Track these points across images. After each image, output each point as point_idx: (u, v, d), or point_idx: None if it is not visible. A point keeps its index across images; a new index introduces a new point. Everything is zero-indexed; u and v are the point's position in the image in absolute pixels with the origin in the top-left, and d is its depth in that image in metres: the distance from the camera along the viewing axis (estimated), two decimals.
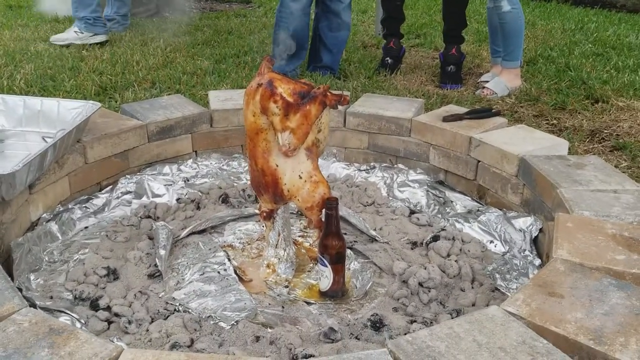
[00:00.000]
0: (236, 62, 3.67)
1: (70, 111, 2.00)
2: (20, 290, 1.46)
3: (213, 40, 4.25)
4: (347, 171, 2.32)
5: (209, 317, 1.47)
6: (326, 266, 1.57)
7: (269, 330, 1.44)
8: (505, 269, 1.68)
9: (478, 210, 2.00)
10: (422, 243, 1.86)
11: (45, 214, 1.81)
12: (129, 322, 1.44)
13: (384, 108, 2.33)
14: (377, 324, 1.47)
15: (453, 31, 3.43)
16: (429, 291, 1.60)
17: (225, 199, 2.08)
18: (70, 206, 1.91)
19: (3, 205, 1.58)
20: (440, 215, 2.03)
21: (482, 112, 2.28)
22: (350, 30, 3.53)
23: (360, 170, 2.31)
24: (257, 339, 1.38)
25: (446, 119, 2.19)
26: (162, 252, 1.71)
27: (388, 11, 3.63)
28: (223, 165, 2.29)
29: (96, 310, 1.49)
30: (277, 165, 1.55)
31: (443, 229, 1.90)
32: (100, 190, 2.05)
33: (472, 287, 1.63)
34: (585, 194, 1.64)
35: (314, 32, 3.45)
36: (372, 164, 2.32)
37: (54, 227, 1.81)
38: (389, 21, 3.64)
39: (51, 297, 1.53)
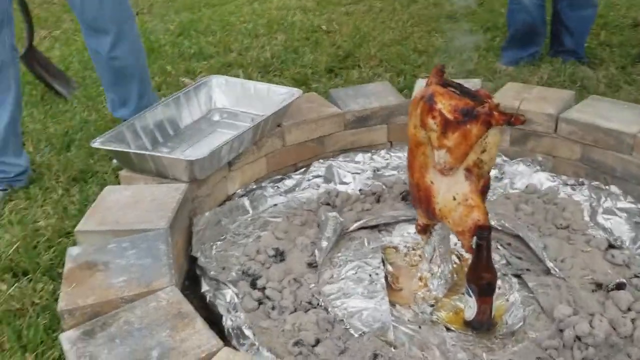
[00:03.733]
0: (475, 39, 3.50)
1: (278, 96, 2.19)
2: (196, 259, 1.70)
3: (458, 13, 4.10)
4: (551, 183, 2.08)
5: (341, 320, 1.52)
6: (471, 296, 1.48)
7: (393, 350, 1.43)
8: None
9: None
10: (607, 287, 1.61)
11: (239, 190, 2.05)
12: (273, 308, 1.58)
13: (606, 117, 2.01)
14: None
15: None
16: (587, 349, 1.40)
17: (405, 197, 2.06)
18: (263, 184, 2.12)
19: (200, 182, 1.84)
20: (633, 257, 1.72)
21: None
22: (597, 6, 3.05)
23: (566, 184, 2.06)
24: (375, 357, 1.39)
25: None
26: (325, 244, 1.81)
27: None
28: None
29: (253, 289, 1.66)
30: (432, 182, 1.49)
31: (637, 276, 1.61)
32: (295, 171, 2.22)
33: None
34: None
35: (554, 12, 3.08)
36: (581, 179, 2.04)
37: (246, 202, 2.04)
38: None
39: (223, 268, 1.75)
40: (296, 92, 2.16)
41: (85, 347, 1.14)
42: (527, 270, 1.71)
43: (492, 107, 1.36)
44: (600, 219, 1.88)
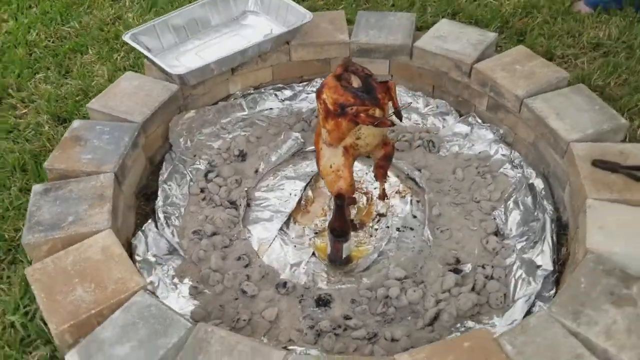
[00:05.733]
0: None
1: (294, 15, 2.49)
2: (171, 146, 2.26)
3: None
4: (500, 156, 2.23)
5: (243, 224, 2.04)
6: (328, 238, 1.90)
7: (257, 257, 1.94)
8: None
9: (541, 268, 1.83)
10: (458, 266, 1.91)
11: (238, 91, 2.50)
12: (204, 199, 2.13)
13: (561, 115, 2.04)
14: (321, 302, 1.81)
15: None
16: (388, 308, 1.79)
17: None
18: (264, 90, 2.53)
19: (193, 94, 2.33)
20: (505, 249, 1.94)
21: None
22: None
23: (511, 161, 2.21)
24: (239, 258, 1.92)
25: (597, 163, 1.87)
26: (274, 158, 2.26)
27: None
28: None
29: (205, 178, 2.21)
30: (321, 148, 1.84)
31: (482, 267, 1.88)
32: (300, 82, 2.58)
33: (423, 328, 1.74)
34: None
35: None
36: (521, 162, 2.18)
37: (243, 102, 2.49)
38: None
39: (194, 156, 2.30)
40: (308, 16, 2.43)
41: (39, 199, 1.81)
42: (410, 229, 2.04)
43: (359, 110, 1.65)
44: (510, 204, 2.08)
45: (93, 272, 1.60)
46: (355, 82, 1.74)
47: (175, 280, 1.87)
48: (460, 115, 2.44)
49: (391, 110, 1.76)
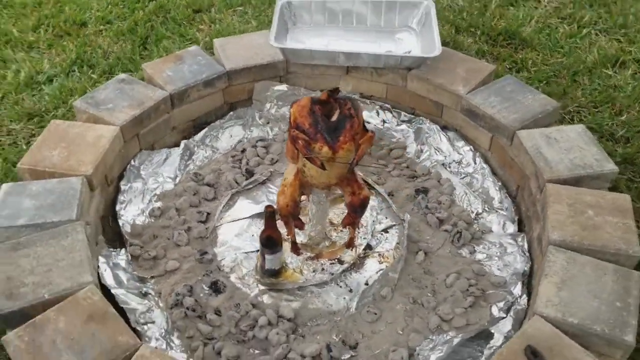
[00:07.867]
0: None
1: (430, 46, 2.37)
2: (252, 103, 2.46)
3: None
4: (507, 295, 1.85)
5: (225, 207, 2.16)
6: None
7: (212, 223, 2.07)
8: None
9: None
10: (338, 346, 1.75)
11: (345, 91, 2.51)
12: (237, 160, 2.30)
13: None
14: (214, 286, 1.88)
15: None
16: (251, 329, 1.77)
17: None
18: (369, 102, 2.48)
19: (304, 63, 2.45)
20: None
21: None
22: None
23: (513, 306, 1.82)
24: (190, 229, 2.05)
25: (527, 351, 1.45)
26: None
27: None
28: None
29: (254, 144, 2.37)
30: (290, 158, 1.83)
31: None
32: (411, 114, 2.46)
33: None
34: None
35: None
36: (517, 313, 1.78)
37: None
38: None
39: (267, 123, 2.43)
40: (436, 52, 2.29)
41: (112, 84, 2.23)
42: (350, 291, 1.89)
43: (298, 136, 1.62)
44: (453, 342, 1.74)
45: (72, 146, 1.97)
46: (336, 115, 1.69)
47: (153, 202, 2.14)
48: (520, 231, 2.06)
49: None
